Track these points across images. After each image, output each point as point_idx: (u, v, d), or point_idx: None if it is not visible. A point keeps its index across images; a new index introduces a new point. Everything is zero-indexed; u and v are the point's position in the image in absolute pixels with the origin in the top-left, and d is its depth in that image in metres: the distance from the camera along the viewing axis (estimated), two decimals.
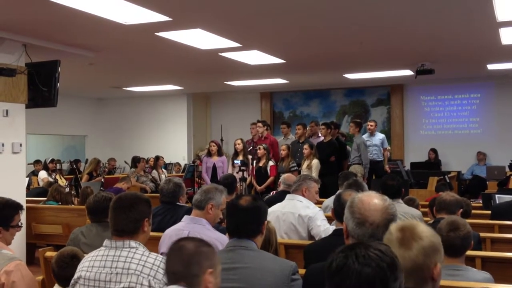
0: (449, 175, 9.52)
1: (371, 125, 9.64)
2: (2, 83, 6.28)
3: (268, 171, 8.47)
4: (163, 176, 10.74)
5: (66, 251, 2.94)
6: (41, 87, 6.61)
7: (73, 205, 7.12)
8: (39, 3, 5.18)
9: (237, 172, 7.77)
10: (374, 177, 8.97)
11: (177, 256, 2.08)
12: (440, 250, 1.90)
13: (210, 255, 2.10)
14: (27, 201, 6.96)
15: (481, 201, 7.22)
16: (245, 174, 7.87)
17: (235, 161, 8.27)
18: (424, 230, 1.90)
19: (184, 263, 2.05)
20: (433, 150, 12.02)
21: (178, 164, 13.51)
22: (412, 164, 11.79)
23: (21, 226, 3.07)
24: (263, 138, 9.32)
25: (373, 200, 2.24)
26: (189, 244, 2.09)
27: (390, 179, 4.87)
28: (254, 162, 8.66)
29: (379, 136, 9.66)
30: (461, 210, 4.05)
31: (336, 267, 1.50)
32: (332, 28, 6.53)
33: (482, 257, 3.69)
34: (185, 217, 3.45)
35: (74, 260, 2.61)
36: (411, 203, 5.15)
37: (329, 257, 1.55)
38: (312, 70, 10.20)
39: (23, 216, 6.48)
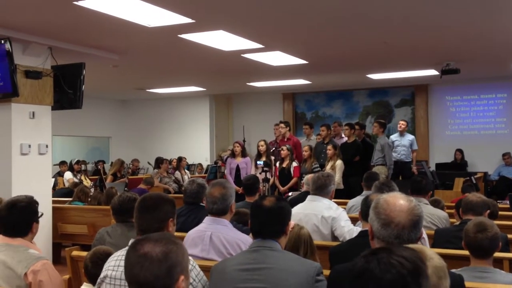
0: (475, 176, 9.37)
1: (402, 124, 9.53)
2: (28, 85, 6.39)
3: (292, 172, 8.44)
4: (186, 177, 10.81)
5: (101, 249, 3.00)
6: (66, 89, 6.72)
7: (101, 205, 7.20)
8: (64, 7, 5.26)
9: (260, 173, 7.76)
10: (400, 178, 8.88)
11: (142, 266, 1.68)
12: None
13: (180, 258, 1.73)
14: (53, 202, 7.07)
15: (508, 202, 7.10)
16: (268, 175, 7.86)
17: (258, 162, 8.27)
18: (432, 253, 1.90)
19: (153, 274, 1.67)
20: (460, 151, 11.85)
21: (200, 165, 13.57)
22: (437, 165, 11.64)
23: (42, 214, 3.12)
24: (286, 139, 9.30)
25: (398, 201, 2.21)
26: (155, 249, 1.70)
27: (419, 177, 4.87)
28: (277, 163, 8.65)
29: (409, 137, 9.54)
30: (488, 211, 3.98)
31: (358, 271, 1.49)
32: (355, 27, 6.48)
33: (510, 259, 3.62)
34: (207, 218, 3.46)
35: (108, 258, 2.64)
36: (436, 204, 5.09)
37: (353, 261, 1.53)
38: (335, 71, 10.15)
39: (49, 216, 6.60)
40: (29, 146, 6.45)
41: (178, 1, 5.23)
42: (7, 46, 5.97)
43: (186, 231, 4.27)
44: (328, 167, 8.17)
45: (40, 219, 3.08)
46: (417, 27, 6.56)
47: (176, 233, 3.14)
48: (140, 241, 1.75)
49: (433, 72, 9.92)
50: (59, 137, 12.89)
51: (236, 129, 14.35)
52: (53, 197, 7.30)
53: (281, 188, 8.44)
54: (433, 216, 4.57)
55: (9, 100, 6.24)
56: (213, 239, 3.29)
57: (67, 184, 10.34)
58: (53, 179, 9.53)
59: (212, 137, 14.10)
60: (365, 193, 5.15)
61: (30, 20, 5.84)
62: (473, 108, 12.29)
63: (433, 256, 1.87)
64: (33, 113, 6.51)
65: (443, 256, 2.05)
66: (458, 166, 11.42)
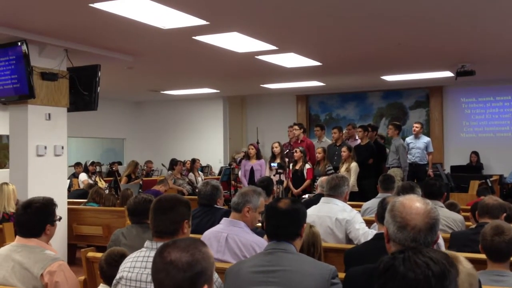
0: (491, 179, 9.27)
1: (416, 127, 9.46)
2: (44, 87, 6.45)
3: (305, 174, 8.42)
4: (199, 179, 10.84)
5: (116, 250, 3.02)
6: (82, 91, 6.77)
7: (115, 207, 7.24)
8: (80, 9, 5.31)
9: (274, 175, 7.75)
10: (415, 181, 8.82)
11: (168, 273, 1.68)
12: None
13: (205, 268, 1.71)
14: (68, 203, 7.12)
15: None
16: (282, 177, 7.85)
17: (272, 164, 8.26)
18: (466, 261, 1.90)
19: (177, 283, 1.67)
20: (475, 153, 11.74)
21: (209, 167, 13.58)
22: (452, 167, 11.54)
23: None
24: (299, 141, 9.28)
25: (414, 203, 2.19)
26: (181, 257, 1.69)
27: (432, 180, 4.81)
28: (291, 165, 8.63)
29: (424, 139, 9.46)
30: (504, 214, 3.93)
31: (383, 268, 1.50)
32: (369, 29, 6.46)
33: None
34: (224, 220, 3.46)
35: (122, 259, 2.66)
36: (452, 208, 5.03)
37: (380, 260, 1.55)
38: (349, 72, 10.12)
39: (64, 217, 6.63)
40: (45, 147, 6.51)
41: (193, 3, 5.25)
42: (24, 48, 6.03)
43: (200, 232, 4.27)
44: (342, 169, 8.13)
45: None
46: (432, 29, 6.52)
47: (191, 235, 3.15)
48: (168, 247, 1.74)
49: (448, 74, 9.84)
50: (73, 139, 13.00)
51: (249, 131, 14.36)
52: (68, 198, 7.35)
53: (295, 190, 8.43)
54: (449, 219, 4.52)
55: (26, 102, 6.30)
56: (228, 241, 3.30)
57: (82, 186, 10.41)
58: (68, 181, 9.60)
59: (226, 139, 14.12)
60: (380, 195, 5.13)
61: (46, 23, 5.90)
62: (489, 110, 12.18)
63: (467, 264, 1.87)
64: (49, 114, 6.56)
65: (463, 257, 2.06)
66: (474, 168, 11.32)
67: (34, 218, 2.92)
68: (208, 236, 3.43)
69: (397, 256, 1.50)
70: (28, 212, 2.93)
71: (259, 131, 13.31)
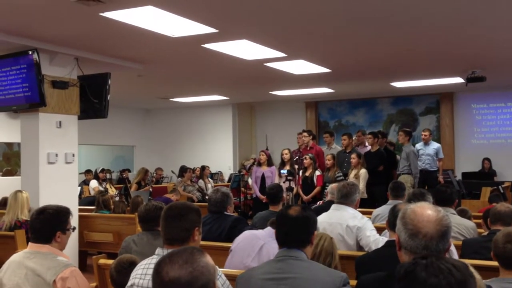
0: (502, 185, 9.20)
1: (425, 135, 9.45)
2: (55, 95, 6.50)
3: (315, 181, 8.41)
4: (209, 186, 10.85)
5: (125, 258, 3.02)
6: (92, 99, 6.81)
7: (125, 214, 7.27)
8: (90, 18, 5.35)
9: (284, 182, 7.75)
10: (426, 188, 8.78)
11: None
12: None
13: (206, 280, 1.65)
14: (79, 210, 7.16)
15: None
16: (292, 184, 7.84)
17: (282, 171, 8.25)
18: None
19: None
20: (488, 160, 11.66)
21: (220, 173, 13.59)
22: (463, 174, 11.46)
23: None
24: (308, 148, 9.28)
25: (426, 211, 2.18)
26: (180, 275, 1.61)
27: (443, 186, 4.79)
28: (301, 172, 8.62)
29: (434, 145, 9.43)
30: None
31: (404, 273, 1.50)
32: (378, 35, 6.45)
33: None
34: (269, 229, 3.49)
35: (132, 267, 2.66)
36: (463, 214, 5.00)
37: (399, 265, 1.55)
38: (358, 79, 10.10)
39: (75, 224, 6.66)
40: (56, 155, 6.54)
41: (201, 11, 5.27)
42: (35, 57, 6.09)
43: (210, 240, 4.29)
44: (351, 176, 8.11)
45: None
46: (442, 34, 6.49)
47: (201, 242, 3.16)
48: (164, 265, 1.63)
49: (458, 80, 9.80)
50: (84, 146, 13.08)
51: (259, 138, 14.37)
52: (79, 205, 7.39)
53: (305, 197, 8.41)
54: (460, 226, 4.50)
55: (37, 110, 6.35)
56: (263, 250, 3.32)
57: (92, 193, 10.47)
58: (79, 188, 9.65)
59: (235, 146, 14.13)
60: (391, 202, 5.10)
61: (57, 31, 5.95)
62: (500, 116, 12.10)
63: (476, 274, 1.87)
64: (60, 122, 6.61)
65: (472, 267, 2.03)
66: (486, 175, 11.23)
67: (45, 224, 2.95)
68: (246, 236, 3.44)
69: (420, 262, 1.50)
70: (41, 217, 2.96)
71: (268, 138, 13.31)
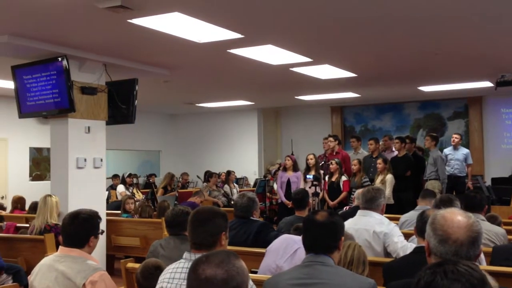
0: None
1: (456, 137, 9.27)
2: (84, 101, 6.61)
3: (341, 186, 8.35)
4: (234, 191, 10.87)
5: (150, 262, 3.05)
6: (120, 105, 6.90)
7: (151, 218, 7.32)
8: (118, 25, 5.43)
9: (310, 187, 7.71)
10: (454, 193, 8.64)
11: None
12: None
13: (239, 283, 1.70)
14: (107, 214, 7.24)
15: None
16: (318, 189, 7.80)
17: (308, 176, 8.22)
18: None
19: None
20: None
21: (245, 178, 13.60)
22: (493, 179, 11.24)
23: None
24: (334, 153, 9.22)
25: (456, 217, 2.14)
26: (216, 274, 1.66)
27: (472, 192, 4.70)
28: (327, 177, 8.57)
29: (463, 151, 9.26)
30: None
31: (424, 284, 1.47)
32: (405, 39, 6.39)
33: None
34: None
35: (157, 271, 2.68)
36: (493, 220, 4.90)
37: (416, 275, 1.51)
38: (385, 83, 10.01)
39: (103, 228, 6.74)
40: (85, 160, 6.64)
41: (227, 17, 5.31)
42: (64, 63, 6.21)
43: (236, 245, 4.29)
44: (378, 181, 8.03)
45: None
46: (471, 38, 6.40)
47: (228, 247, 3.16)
48: (201, 264, 1.69)
49: (487, 84, 9.64)
50: (111, 151, 13.22)
51: (284, 143, 14.35)
52: (106, 209, 7.48)
53: (331, 203, 8.36)
54: (490, 232, 4.41)
55: (66, 116, 6.46)
56: (296, 253, 3.32)
57: (119, 197, 10.57)
58: (107, 192, 9.76)
59: (261, 151, 14.13)
60: (419, 207, 5.03)
61: (86, 38, 6.06)
62: None
63: (493, 281, 1.84)
64: (89, 127, 6.71)
65: (502, 274, 1.97)
66: None
67: (80, 228, 2.98)
68: (285, 239, 3.46)
69: (437, 270, 1.47)
70: (75, 222, 2.99)
71: (294, 143, 13.28)
